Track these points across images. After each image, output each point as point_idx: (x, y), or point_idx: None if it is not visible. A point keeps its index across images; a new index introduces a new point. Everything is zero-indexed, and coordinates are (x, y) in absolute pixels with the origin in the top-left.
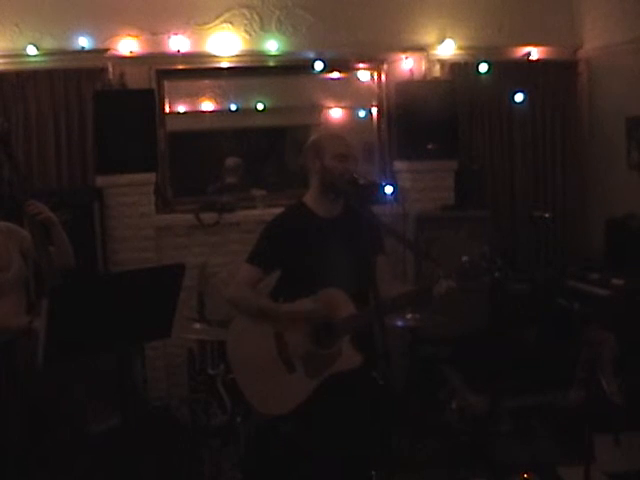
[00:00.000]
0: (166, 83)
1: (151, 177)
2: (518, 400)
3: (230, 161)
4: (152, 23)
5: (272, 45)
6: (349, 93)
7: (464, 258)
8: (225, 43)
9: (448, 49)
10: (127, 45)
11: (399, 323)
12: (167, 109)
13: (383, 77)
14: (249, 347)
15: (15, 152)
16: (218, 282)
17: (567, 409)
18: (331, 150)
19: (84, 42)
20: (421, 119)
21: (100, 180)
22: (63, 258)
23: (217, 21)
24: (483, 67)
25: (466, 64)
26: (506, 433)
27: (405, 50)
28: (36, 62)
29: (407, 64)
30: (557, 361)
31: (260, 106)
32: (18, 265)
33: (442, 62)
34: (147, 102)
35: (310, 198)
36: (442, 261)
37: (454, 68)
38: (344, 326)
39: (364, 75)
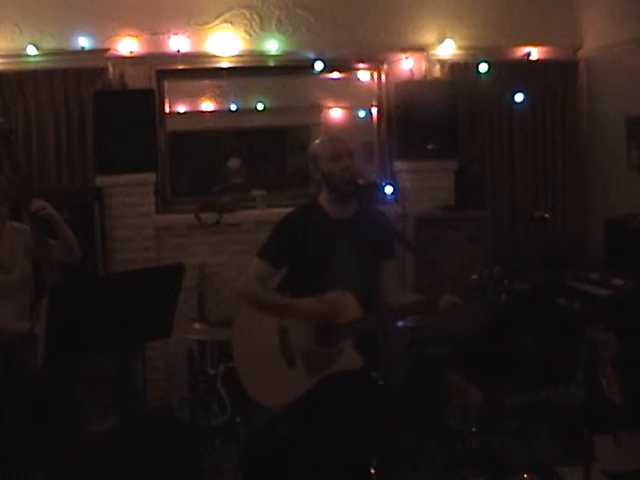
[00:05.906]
0: (166, 83)
1: (151, 177)
2: (518, 398)
3: (233, 162)
4: (152, 23)
5: (272, 45)
6: (349, 93)
7: (473, 276)
8: (225, 43)
9: (448, 49)
10: (127, 45)
11: (399, 323)
12: (167, 109)
13: (383, 77)
14: (253, 338)
15: (16, 152)
16: (218, 282)
17: (567, 405)
18: (324, 154)
19: (84, 42)
20: (421, 119)
21: (100, 180)
22: (69, 249)
23: (217, 21)
24: (483, 67)
25: (466, 64)
26: (507, 432)
27: (405, 50)
28: (36, 62)
29: (407, 64)
30: (557, 361)
31: (260, 106)
32: (22, 266)
33: (442, 62)
34: (147, 102)
35: (323, 198)
36: (450, 275)
37: (454, 68)
38: (348, 329)
39: (364, 75)
